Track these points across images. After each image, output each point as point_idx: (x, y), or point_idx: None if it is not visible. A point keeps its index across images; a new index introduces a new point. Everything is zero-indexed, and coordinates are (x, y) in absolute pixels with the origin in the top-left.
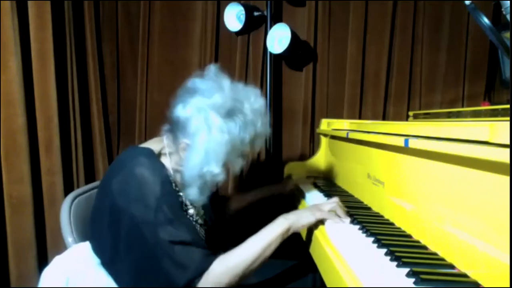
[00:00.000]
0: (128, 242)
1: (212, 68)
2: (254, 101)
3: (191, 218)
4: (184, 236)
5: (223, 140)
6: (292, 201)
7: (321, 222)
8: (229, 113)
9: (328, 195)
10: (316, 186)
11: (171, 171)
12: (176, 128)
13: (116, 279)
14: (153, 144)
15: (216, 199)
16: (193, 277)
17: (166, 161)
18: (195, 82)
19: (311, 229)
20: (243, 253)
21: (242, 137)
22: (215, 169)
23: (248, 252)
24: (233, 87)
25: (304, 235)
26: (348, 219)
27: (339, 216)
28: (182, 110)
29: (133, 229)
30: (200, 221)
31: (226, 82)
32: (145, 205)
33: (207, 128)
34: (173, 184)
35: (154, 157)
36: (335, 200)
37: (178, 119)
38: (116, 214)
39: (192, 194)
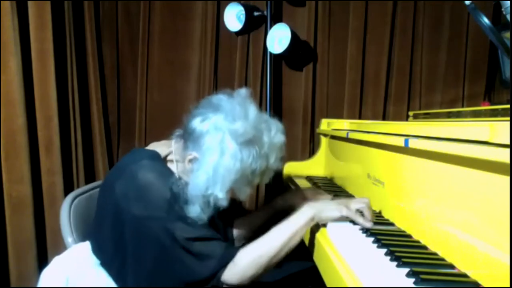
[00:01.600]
0: (136, 244)
1: (242, 92)
2: (274, 135)
3: None
4: (200, 232)
5: (233, 167)
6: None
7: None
8: (246, 143)
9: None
10: (316, 187)
11: (177, 176)
12: (188, 138)
13: (116, 280)
14: (160, 147)
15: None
16: (218, 267)
17: (172, 166)
18: (221, 99)
19: (312, 229)
20: (268, 244)
21: (253, 168)
22: (219, 194)
23: (273, 243)
24: (258, 116)
25: (306, 237)
26: (370, 224)
27: (363, 218)
28: (199, 124)
29: (143, 231)
30: None
31: (252, 110)
32: (154, 207)
33: (220, 151)
34: (179, 186)
35: (159, 160)
36: (365, 200)
37: (193, 130)
38: (120, 216)
39: (194, 212)
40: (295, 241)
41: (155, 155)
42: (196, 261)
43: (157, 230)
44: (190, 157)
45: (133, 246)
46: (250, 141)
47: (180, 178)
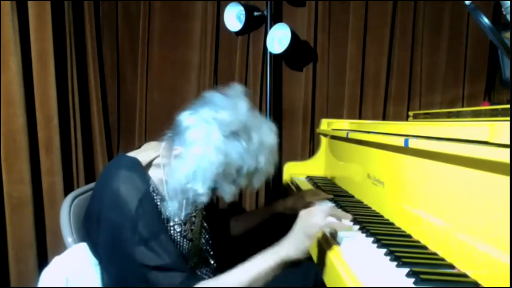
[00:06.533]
0: (107, 253)
1: (236, 87)
2: (265, 134)
3: (178, 235)
4: (160, 260)
5: (217, 160)
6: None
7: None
8: (233, 135)
9: (334, 201)
10: (317, 187)
11: (161, 183)
12: (175, 133)
13: None
14: (147, 152)
15: (217, 218)
16: None
17: (157, 172)
18: (212, 95)
19: None
20: (226, 283)
21: (239, 165)
22: (200, 189)
23: (231, 282)
24: (248, 111)
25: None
26: (347, 225)
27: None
28: (187, 117)
29: (111, 243)
30: (189, 235)
31: (243, 104)
32: (120, 223)
33: (204, 143)
34: (157, 199)
35: (138, 169)
36: (324, 208)
37: (180, 123)
38: (100, 219)
39: (171, 208)
40: (259, 285)
41: (134, 164)
42: None
43: (121, 248)
44: (175, 152)
45: (104, 252)
46: (236, 134)
47: (166, 183)
